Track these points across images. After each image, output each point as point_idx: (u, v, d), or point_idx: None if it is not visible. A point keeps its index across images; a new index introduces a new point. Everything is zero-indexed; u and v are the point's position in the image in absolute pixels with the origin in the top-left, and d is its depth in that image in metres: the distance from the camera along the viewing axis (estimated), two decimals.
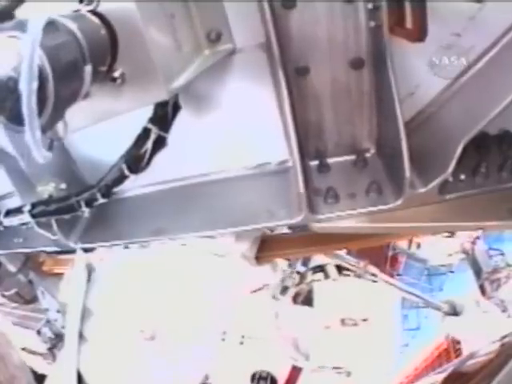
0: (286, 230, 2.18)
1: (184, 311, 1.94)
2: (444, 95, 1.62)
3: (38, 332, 3.90)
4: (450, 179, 1.56)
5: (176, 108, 1.48)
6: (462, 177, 1.58)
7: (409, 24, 1.39)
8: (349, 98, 1.60)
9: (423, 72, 1.59)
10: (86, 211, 1.74)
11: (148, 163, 1.57)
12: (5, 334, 2.87)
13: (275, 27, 1.36)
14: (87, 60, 0.96)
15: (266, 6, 1.33)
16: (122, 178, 1.63)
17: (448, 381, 1.97)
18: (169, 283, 1.99)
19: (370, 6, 1.41)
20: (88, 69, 0.96)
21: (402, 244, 6.05)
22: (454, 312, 5.10)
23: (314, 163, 1.73)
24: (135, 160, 1.56)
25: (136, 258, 1.99)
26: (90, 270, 2.03)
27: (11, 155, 1.78)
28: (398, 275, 7.11)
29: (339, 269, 5.35)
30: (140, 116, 1.48)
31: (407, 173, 1.45)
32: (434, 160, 1.55)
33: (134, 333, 1.98)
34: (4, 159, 1.80)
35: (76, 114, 1.12)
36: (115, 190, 1.70)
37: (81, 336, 2.09)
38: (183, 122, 1.56)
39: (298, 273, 5.56)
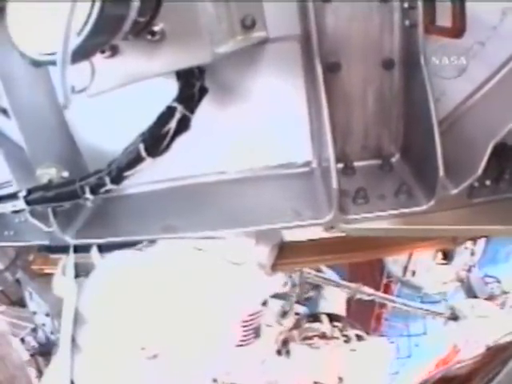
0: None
1: (192, 328, 1.76)
2: (469, 101, 1.62)
3: (22, 340, 3.67)
4: (476, 184, 1.56)
5: (203, 91, 1.40)
6: (488, 183, 1.58)
7: (441, 22, 1.41)
8: (378, 99, 1.59)
9: (449, 78, 1.59)
10: (90, 198, 1.54)
11: (168, 146, 1.40)
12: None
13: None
14: None
15: None
16: (137, 161, 1.44)
17: None
18: (177, 293, 1.80)
19: (405, 5, 1.42)
20: (135, 5, 0.91)
21: (397, 271, 6.01)
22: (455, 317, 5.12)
23: (339, 166, 1.69)
24: (155, 140, 1.39)
25: (141, 261, 1.81)
26: (89, 265, 1.82)
27: (11, 140, 1.70)
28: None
29: (330, 319, 5.34)
30: (153, 108, 1.41)
31: (441, 171, 1.42)
32: (462, 163, 1.53)
33: (134, 349, 1.77)
34: (3, 143, 1.70)
35: (106, 72, 1.08)
36: (127, 173, 1.48)
37: (75, 343, 1.86)
38: (202, 114, 1.47)
39: (296, 314, 5.51)
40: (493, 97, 1.56)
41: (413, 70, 1.49)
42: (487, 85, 1.58)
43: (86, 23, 0.81)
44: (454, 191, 1.47)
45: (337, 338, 5.09)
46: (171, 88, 1.40)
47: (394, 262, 6.02)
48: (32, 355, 3.66)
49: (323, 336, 5.10)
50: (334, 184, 1.42)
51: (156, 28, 1.06)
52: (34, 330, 3.66)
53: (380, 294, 5.38)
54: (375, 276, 6.51)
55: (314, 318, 5.39)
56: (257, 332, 4.16)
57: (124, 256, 1.73)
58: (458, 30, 1.33)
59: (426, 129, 1.46)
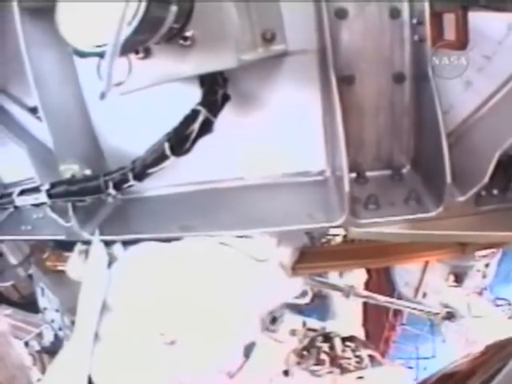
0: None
1: (211, 317, 1.77)
2: (477, 114, 1.69)
3: (26, 344, 3.66)
4: (484, 193, 1.62)
5: (225, 97, 1.50)
6: (495, 192, 1.65)
7: (449, 35, 1.50)
8: (390, 112, 1.68)
9: (457, 92, 1.67)
10: (112, 194, 1.63)
11: (191, 147, 1.50)
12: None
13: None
14: (173, 0, 1.03)
15: (324, 14, 1.45)
16: (161, 159, 1.52)
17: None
18: (199, 284, 1.78)
19: (414, 21, 1.52)
20: (173, 9, 1.03)
21: (408, 293, 5.98)
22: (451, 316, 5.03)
23: (352, 175, 1.75)
24: (179, 140, 1.49)
25: (164, 251, 1.82)
26: (110, 258, 1.81)
27: (35, 138, 1.83)
28: (402, 324, 6.99)
29: (343, 339, 5.27)
30: (173, 115, 1.51)
31: (448, 179, 1.49)
32: (470, 172, 1.59)
33: (153, 335, 1.76)
34: (27, 140, 1.81)
35: (140, 71, 1.18)
36: (151, 171, 1.56)
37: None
38: (222, 121, 1.56)
39: (310, 330, 5.43)
40: (499, 109, 1.62)
41: (422, 83, 1.58)
42: (494, 98, 1.64)
43: (133, 18, 0.94)
44: (462, 198, 1.54)
45: (349, 358, 4.99)
46: (192, 95, 1.50)
47: (406, 284, 5.99)
48: (38, 352, 3.65)
49: (334, 357, 5.01)
50: (346, 188, 1.49)
51: (188, 34, 1.18)
52: (39, 335, 3.66)
53: (374, 295, 5.30)
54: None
55: (326, 338, 5.31)
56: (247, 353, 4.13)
57: (148, 246, 1.77)
58: (461, 42, 1.43)
59: (435, 139, 1.53)
